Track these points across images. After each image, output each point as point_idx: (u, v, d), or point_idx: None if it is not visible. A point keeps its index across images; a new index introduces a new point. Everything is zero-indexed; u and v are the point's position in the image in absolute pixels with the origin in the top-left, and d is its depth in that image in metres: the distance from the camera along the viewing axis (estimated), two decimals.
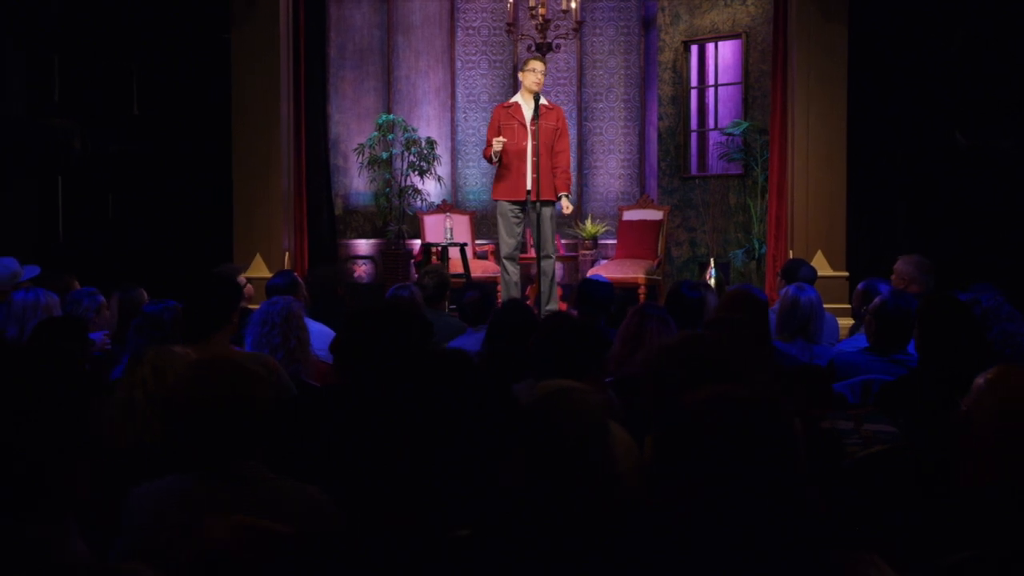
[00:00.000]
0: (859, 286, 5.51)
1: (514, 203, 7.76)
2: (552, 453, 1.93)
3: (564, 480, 1.89)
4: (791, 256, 8.00)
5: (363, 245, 10.87)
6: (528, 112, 7.75)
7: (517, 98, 7.91)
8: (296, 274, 5.87)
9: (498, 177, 7.93)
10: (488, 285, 7.61)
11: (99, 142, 8.97)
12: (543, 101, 7.87)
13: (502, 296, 7.73)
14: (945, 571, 1.90)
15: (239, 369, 2.22)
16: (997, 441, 2.03)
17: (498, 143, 7.70)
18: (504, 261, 7.80)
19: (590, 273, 9.78)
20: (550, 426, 1.96)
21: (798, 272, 6.14)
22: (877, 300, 4.47)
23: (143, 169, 9.05)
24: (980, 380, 2.12)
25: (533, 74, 7.71)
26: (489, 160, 7.93)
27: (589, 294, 5.32)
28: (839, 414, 3.78)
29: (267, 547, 1.84)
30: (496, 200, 7.94)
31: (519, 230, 7.83)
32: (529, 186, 7.66)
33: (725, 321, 3.11)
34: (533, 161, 7.64)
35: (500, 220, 7.88)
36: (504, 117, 7.86)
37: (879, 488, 2.64)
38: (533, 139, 7.66)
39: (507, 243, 7.79)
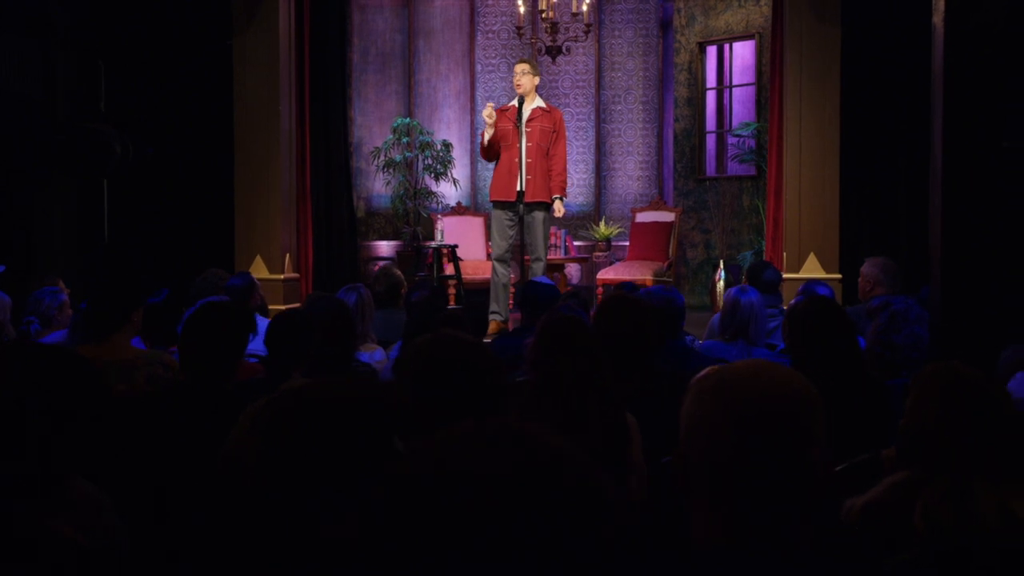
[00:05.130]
0: (799, 289, 5.49)
1: (506, 205, 7.80)
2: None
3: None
4: (785, 257, 7.96)
5: (384, 247, 11.04)
6: (524, 114, 7.80)
7: (515, 101, 7.97)
8: (253, 276, 6.01)
9: (493, 179, 8.01)
10: (440, 286, 7.68)
11: (140, 146, 9.22)
12: (541, 103, 7.93)
13: (490, 298, 7.81)
14: None
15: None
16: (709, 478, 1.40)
17: (489, 130, 7.76)
18: (494, 263, 7.86)
19: (600, 275, 9.83)
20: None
21: (761, 275, 6.12)
22: (792, 303, 4.46)
23: (170, 173, 9.29)
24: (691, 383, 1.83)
25: (514, 77, 7.82)
26: (482, 150, 7.98)
27: (533, 297, 5.39)
28: None
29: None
30: (492, 201, 8.02)
31: (512, 232, 7.85)
32: (520, 187, 7.69)
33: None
34: (527, 163, 7.69)
35: (493, 221, 7.96)
36: (501, 119, 7.92)
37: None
38: (527, 140, 7.71)
39: (498, 245, 7.85)
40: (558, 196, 7.85)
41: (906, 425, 2.16)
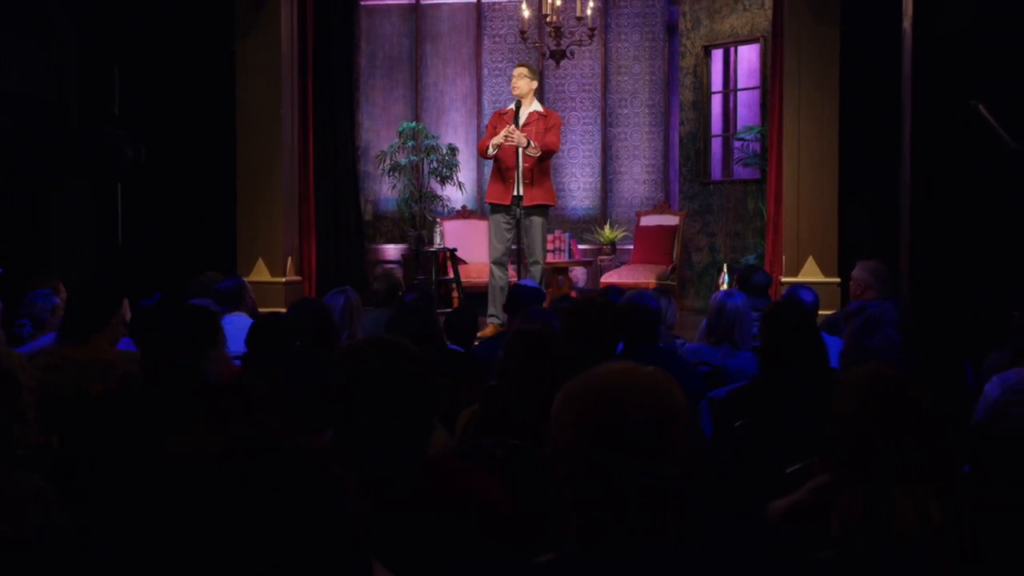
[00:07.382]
0: (783, 293, 5.49)
1: (503, 208, 7.83)
2: None
3: None
4: (784, 261, 7.96)
5: (391, 250, 11.08)
6: (520, 118, 7.83)
7: (513, 105, 8.00)
8: (243, 279, 6.07)
9: (490, 181, 8.05)
10: (429, 291, 7.72)
11: (153, 149, 9.27)
12: (539, 108, 7.96)
13: (488, 299, 7.85)
14: None
15: None
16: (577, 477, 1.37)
17: (500, 136, 7.70)
18: (492, 265, 7.90)
19: (604, 278, 9.85)
20: None
21: (751, 278, 6.13)
22: (768, 306, 4.47)
23: (174, 176, 9.34)
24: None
25: (511, 80, 7.88)
26: (483, 153, 7.97)
27: (518, 300, 5.42)
28: None
29: None
30: (488, 203, 8.05)
31: (509, 236, 7.88)
32: (518, 192, 7.72)
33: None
34: (523, 167, 7.71)
35: (491, 224, 8.00)
36: (499, 123, 7.95)
37: None
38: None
39: (495, 248, 7.89)
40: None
41: (828, 428, 2.17)
